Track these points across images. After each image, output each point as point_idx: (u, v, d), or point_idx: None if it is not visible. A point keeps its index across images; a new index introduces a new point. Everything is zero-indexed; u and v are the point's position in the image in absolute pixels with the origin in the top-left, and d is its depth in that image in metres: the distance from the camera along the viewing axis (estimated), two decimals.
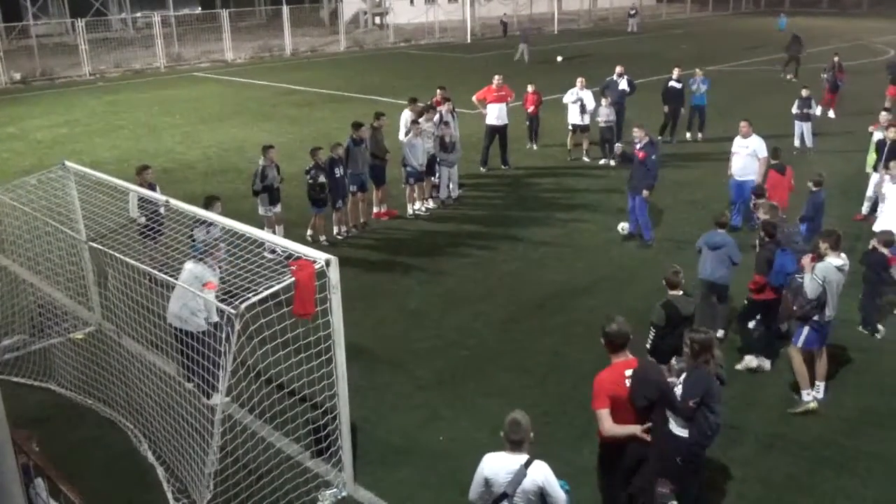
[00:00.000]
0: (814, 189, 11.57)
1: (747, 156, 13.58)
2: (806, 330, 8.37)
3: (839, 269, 8.23)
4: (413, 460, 7.67)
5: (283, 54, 40.12)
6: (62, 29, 42.35)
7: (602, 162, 18.03)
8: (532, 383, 9.03)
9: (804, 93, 18.25)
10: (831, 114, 22.12)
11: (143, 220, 10.10)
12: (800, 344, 8.43)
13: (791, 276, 8.90)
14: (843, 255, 8.39)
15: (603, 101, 17.88)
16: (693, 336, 6.47)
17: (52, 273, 9.90)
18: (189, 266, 8.14)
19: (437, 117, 15.20)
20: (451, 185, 15.70)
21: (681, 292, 8.00)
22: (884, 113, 15.23)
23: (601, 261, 12.66)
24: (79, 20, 34.28)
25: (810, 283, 8.14)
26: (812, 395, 8.45)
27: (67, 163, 9.79)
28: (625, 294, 11.30)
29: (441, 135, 15.04)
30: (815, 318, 8.25)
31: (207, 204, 9.89)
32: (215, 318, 7.88)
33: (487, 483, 5.34)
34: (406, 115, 15.60)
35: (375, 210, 14.67)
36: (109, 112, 25.66)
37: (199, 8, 47.63)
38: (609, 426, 5.92)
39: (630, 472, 6.16)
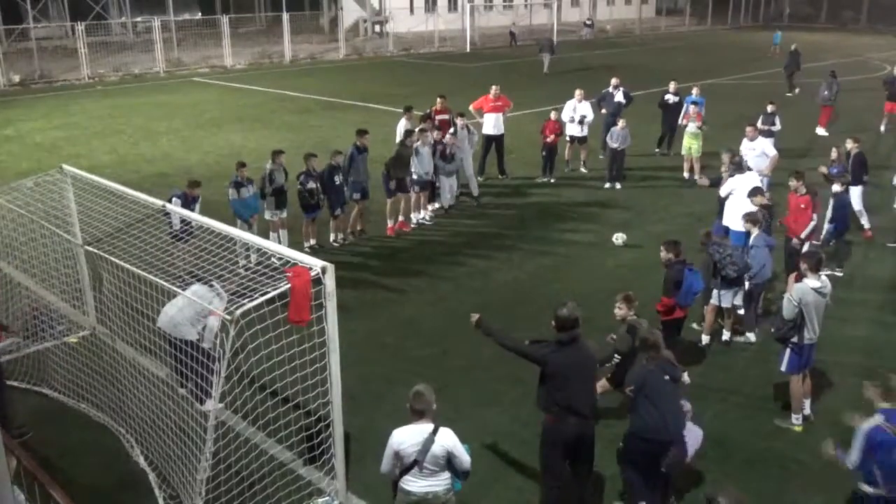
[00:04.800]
0: (839, 190, 11.75)
1: (755, 157, 14.03)
2: (787, 353, 8.30)
3: (817, 291, 8.06)
4: None
5: (283, 61, 40.19)
6: (62, 32, 42.37)
7: (607, 186, 17.20)
8: (527, 392, 8.99)
9: (769, 108, 17.90)
10: (823, 131, 22.14)
11: (178, 225, 10.18)
12: (783, 368, 8.37)
13: (698, 295, 9.18)
14: (823, 277, 8.27)
15: (620, 123, 17.06)
16: (643, 335, 7.05)
17: (47, 276, 9.88)
18: (195, 288, 8.04)
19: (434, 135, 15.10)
20: (450, 195, 15.72)
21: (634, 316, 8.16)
22: (691, 106, 17.25)
23: (597, 272, 12.68)
24: (79, 23, 34.30)
25: (786, 304, 8.11)
26: (799, 420, 8.41)
27: (65, 166, 9.79)
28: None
29: (448, 143, 15.06)
30: (794, 339, 8.16)
31: (274, 155, 12.84)
32: (209, 345, 7.86)
33: (397, 455, 5.86)
34: (402, 124, 15.66)
35: (401, 219, 14.66)
36: (108, 116, 25.67)
37: (200, 13, 47.72)
38: None
39: (568, 446, 6.62)
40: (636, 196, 16.62)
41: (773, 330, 8.38)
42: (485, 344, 10.22)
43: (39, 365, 9.24)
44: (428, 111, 16.87)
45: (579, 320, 6.54)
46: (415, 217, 14.91)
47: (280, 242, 12.12)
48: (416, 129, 14.72)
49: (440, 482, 5.92)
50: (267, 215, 12.86)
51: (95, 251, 8.41)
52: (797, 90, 28.90)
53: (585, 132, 18.07)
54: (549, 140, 17.55)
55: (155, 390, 7.58)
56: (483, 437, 8.03)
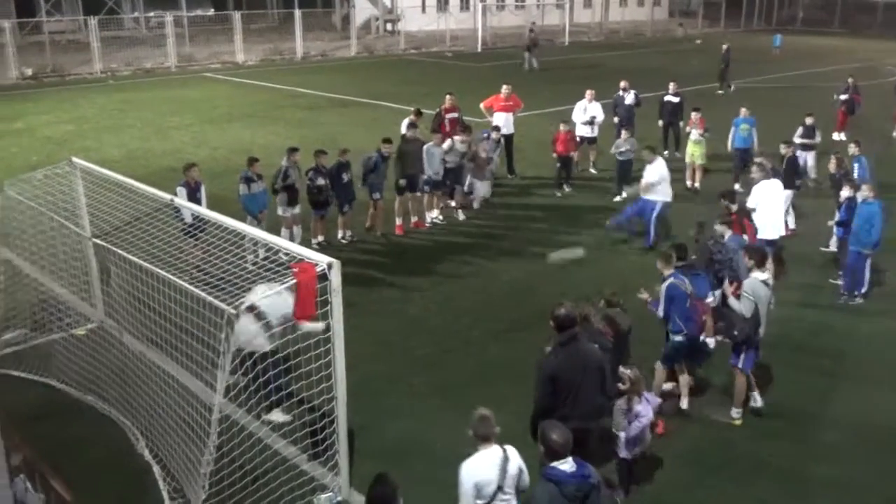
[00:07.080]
0: (849, 194, 11.84)
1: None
2: (744, 352, 8.42)
3: (765, 283, 8.44)
4: (410, 466, 7.65)
5: (294, 58, 40.25)
6: (75, 26, 42.56)
7: (617, 199, 16.26)
8: (530, 392, 8.98)
9: (808, 120, 17.20)
10: (842, 136, 21.96)
11: (189, 219, 10.16)
12: (740, 365, 8.48)
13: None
14: (767, 272, 8.62)
15: (623, 134, 16.17)
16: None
17: (55, 268, 9.93)
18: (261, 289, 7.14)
19: (447, 143, 14.93)
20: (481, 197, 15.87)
21: (618, 309, 8.14)
22: (693, 112, 17.21)
23: (603, 272, 12.63)
24: (91, 18, 34.47)
25: (743, 303, 8.26)
26: (740, 413, 8.56)
27: (75, 159, 9.83)
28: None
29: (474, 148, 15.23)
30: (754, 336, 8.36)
31: (290, 153, 12.86)
32: (267, 348, 7.41)
33: (476, 487, 5.42)
34: (406, 124, 15.70)
35: (415, 219, 14.76)
36: (119, 110, 25.77)
37: (212, 9, 47.83)
38: None
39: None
40: None
41: (735, 333, 8.40)
42: (489, 344, 10.29)
43: (46, 356, 9.28)
44: (438, 110, 16.85)
45: (577, 319, 6.54)
46: (429, 216, 14.91)
47: (293, 239, 12.13)
48: (411, 124, 14.91)
49: None
50: (279, 211, 12.89)
51: (104, 244, 8.44)
52: (732, 88, 29.90)
53: (595, 133, 18.02)
54: (557, 151, 16.70)
55: (161, 384, 7.60)
56: None
